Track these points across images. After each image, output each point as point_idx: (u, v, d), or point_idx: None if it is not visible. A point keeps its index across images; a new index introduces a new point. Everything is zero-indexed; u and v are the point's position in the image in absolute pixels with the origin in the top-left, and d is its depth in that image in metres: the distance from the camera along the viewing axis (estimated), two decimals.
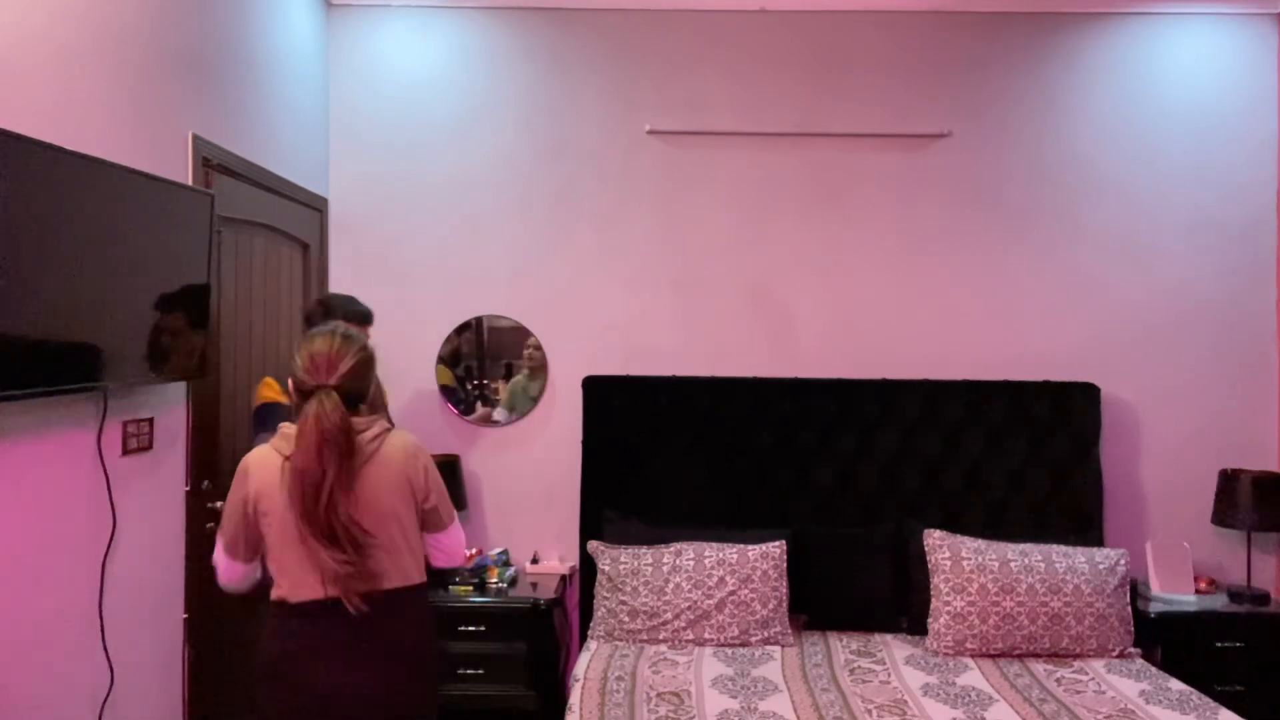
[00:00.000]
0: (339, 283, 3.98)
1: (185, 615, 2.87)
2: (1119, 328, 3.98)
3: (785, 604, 3.48)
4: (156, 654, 2.73)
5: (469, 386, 4.04)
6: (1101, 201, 3.99)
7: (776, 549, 3.52)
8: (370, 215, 4.03)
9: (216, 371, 3.00)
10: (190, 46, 2.86)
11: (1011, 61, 3.99)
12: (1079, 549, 3.50)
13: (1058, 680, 3.11)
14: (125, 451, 2.54)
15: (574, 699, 2.93)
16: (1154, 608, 3.61)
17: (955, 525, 3.68)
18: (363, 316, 2.94)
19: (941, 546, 3.48)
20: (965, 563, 3.41)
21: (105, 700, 2.44)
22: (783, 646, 3.40)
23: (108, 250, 2.26)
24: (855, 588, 3.63)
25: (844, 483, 3.86)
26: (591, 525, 3.80)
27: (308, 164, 3.80)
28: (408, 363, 3.97)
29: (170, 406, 2.77)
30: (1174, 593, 3.71)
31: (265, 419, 2.80)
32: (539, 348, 4.03)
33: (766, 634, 3.41)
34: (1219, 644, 3.53)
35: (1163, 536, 3.92)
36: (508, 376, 4.04)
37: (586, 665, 3.18)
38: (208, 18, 2.97)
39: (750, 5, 3.94)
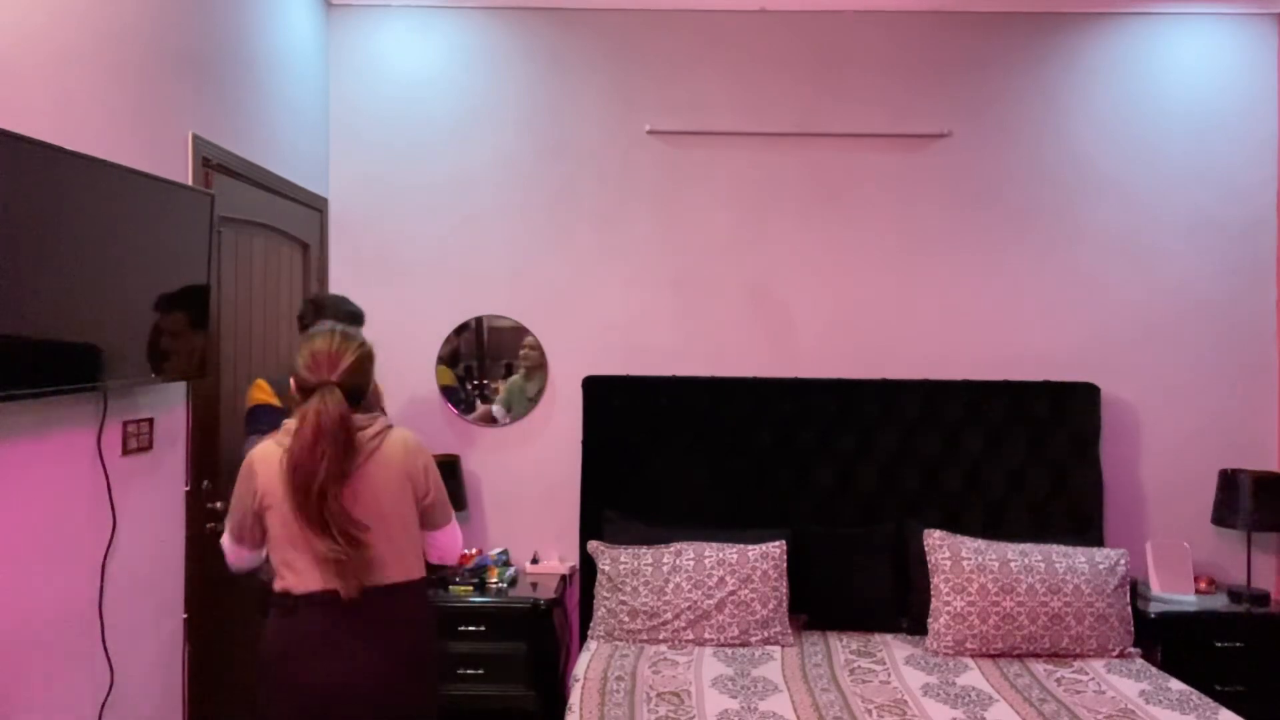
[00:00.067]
0: (339, 283, 3.98)
1: (185, 615, 2.87)
2: (1119, 328, 3.98)
3: (785, 604, 3.48)
4: (156, 654, 2.73)
5: (469, 386, 4.04)
6: (1101, 201, 3.99)
7: (776, 549, 3.52)
8: (370, 215, 4.03)
9: (216, 371, 3.00)
10: (190, 46, 2.86)
11: (1011, 61, 3.99)
12: (1079, 549, 3.50)
13: (1058, 680, 3.11)
14: (125, 451, 2.54)
15: (574, 699, 2.93)
16: (1154, 608, 3.61)
17: (955, 525, 3.68)
18: (354, 316, 2.93)
19: (941, 546, 3.48)
20: (965, 563, 3.41)
21: (105, 700, 2.44)
22: (783, 646, 3.40)
23: (108, 250, 2.26)
24: (855, 588, 3.63)
25: (844, 483, 3.86)
26: (591, 525, 3.80)
27: (308, 164, 3.80)
28: (408, 362, 3.97)
29: (170, 406, 2.77)
30: (1174, 593, 3.71)
31: (256, 420, 2.80)
32: (535, 347, 4.03)
33: (766, 634, 3.41)
34: (1219, 644, 3.53)
35: (1163, 536, 3.92)
36: (508, 376, 4.04)
37: (586, 665, 3.18)
38: (208, 18, 2.97)
39: (750, 5, 3.95)
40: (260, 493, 2.20)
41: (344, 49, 4.02)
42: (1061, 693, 2.99)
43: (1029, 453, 3.84)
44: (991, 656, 3.32)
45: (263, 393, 2.86)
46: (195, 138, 2.86)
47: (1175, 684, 3.06)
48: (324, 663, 2.16)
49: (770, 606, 3.44)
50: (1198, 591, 3.74)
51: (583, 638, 3.67)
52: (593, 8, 3.98)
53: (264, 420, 2.75)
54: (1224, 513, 3.78)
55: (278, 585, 2.21)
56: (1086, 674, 3.17)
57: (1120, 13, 3.97)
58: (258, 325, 3.33)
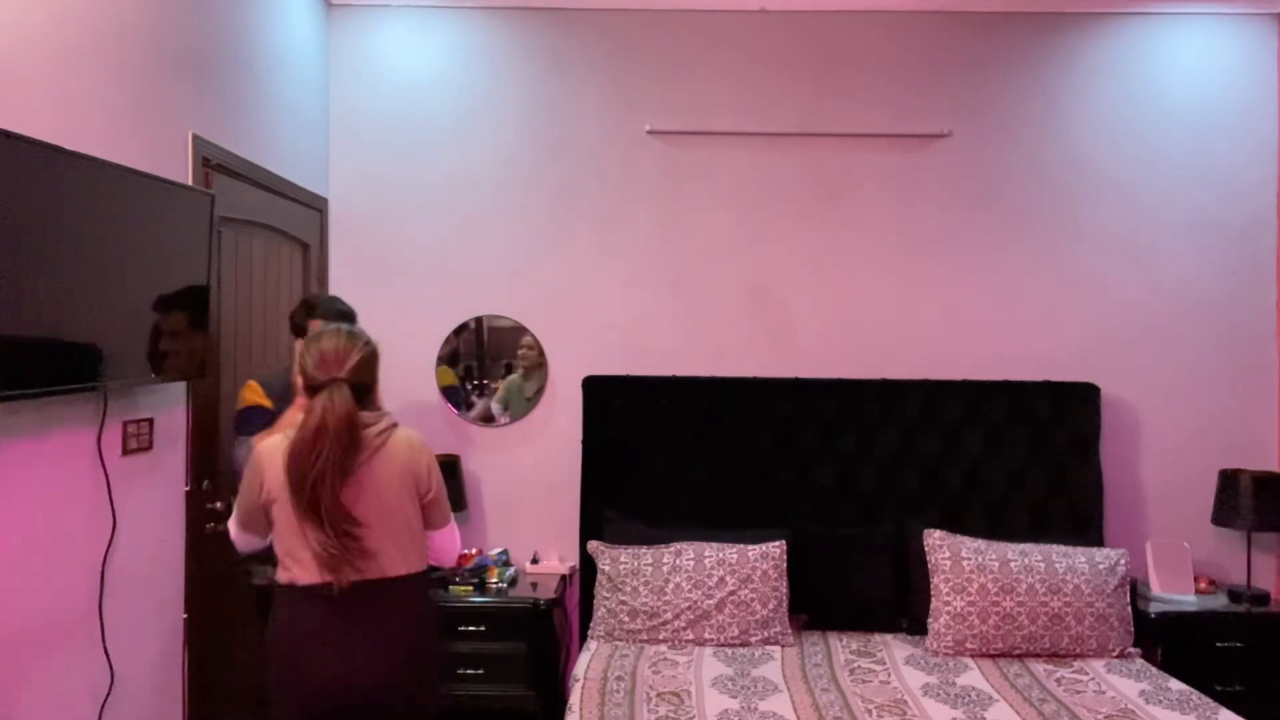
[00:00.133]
0: (339, 283, 3.99)
1: (185, 615, 2.87)
2: (1119, 328, 3.98)
3: (785, 604, 3.48)
4: (156, 654, 2.73)
5: (469, 386, 4.04)
6: (1101, 201, 3.99)
7: (776, 549, 3.52)
8: (370, 215, 4.03)
9: (216, 371, 3.00)
10: (190, 46, 2.86)
11: (1011, 61, 3.99)
12: (1079, 549, 3.50)
13: (1058, 680, 3.11)
14: (125, 451, 2.54)
15: (574, 699, 2.93)
16: (1154, 608, 3.61)
17: (955, 525, 3.68)
18: (345, 316, 2.93)
19: (941, 546, 3.48)
20: (965, 563, 3.41)
21: (105, 700, 2.44)
22: (783, 646, 3.40)
23: (108, 250, 2.26)
24: (855, 588, 3.63)
25: (844, 483, 3.86)
26: (591, 525, 3.80)
27: (308, 164, 3.80)
28: (408, 362, 3.97)
29: (170, 406, 2.77)
30: (1174, 593, 3.71)
31: (246, 422, 2.79)
32: (533, 346, 4.03)
33: (766, 634, 3.41)
34: (1219, 644, 3.53)
35: (1163, 536, 3.92)
36: (507, 376, 4.04)
37: (586, 665, 3.18)
38: (208, 18, 2.97)
39: (750, 5, 3.94)
40: (266, 486, 2.25)
41: (344, 49, 4.02)
42: (1061, 693, 2.99)
43: (1029, 453, 3.84)
44: (991, 656, 3.32)
45: (254, 394, 2.85)
46: (195, 138, 2.86)
47: (1175, 684, 3.06)
48: (324, 655, 2.21)
49: (770, 606, 3.44)
50: (1198, 591, 3.74)
51: (583, 638, 3.67)
52: (593, 8, 3.98)
53: (254, 422, 2.75)
54: (1224, 513, 3.78)
55: (283, 577, 2.27)
56: (1086, 674, 3.17)
57: (1120, 13, 3.97)
58: (258, 325, 3.33)
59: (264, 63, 3.39)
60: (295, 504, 2.18)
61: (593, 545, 3.66)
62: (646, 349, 4.01)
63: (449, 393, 4.03)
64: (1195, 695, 2.96)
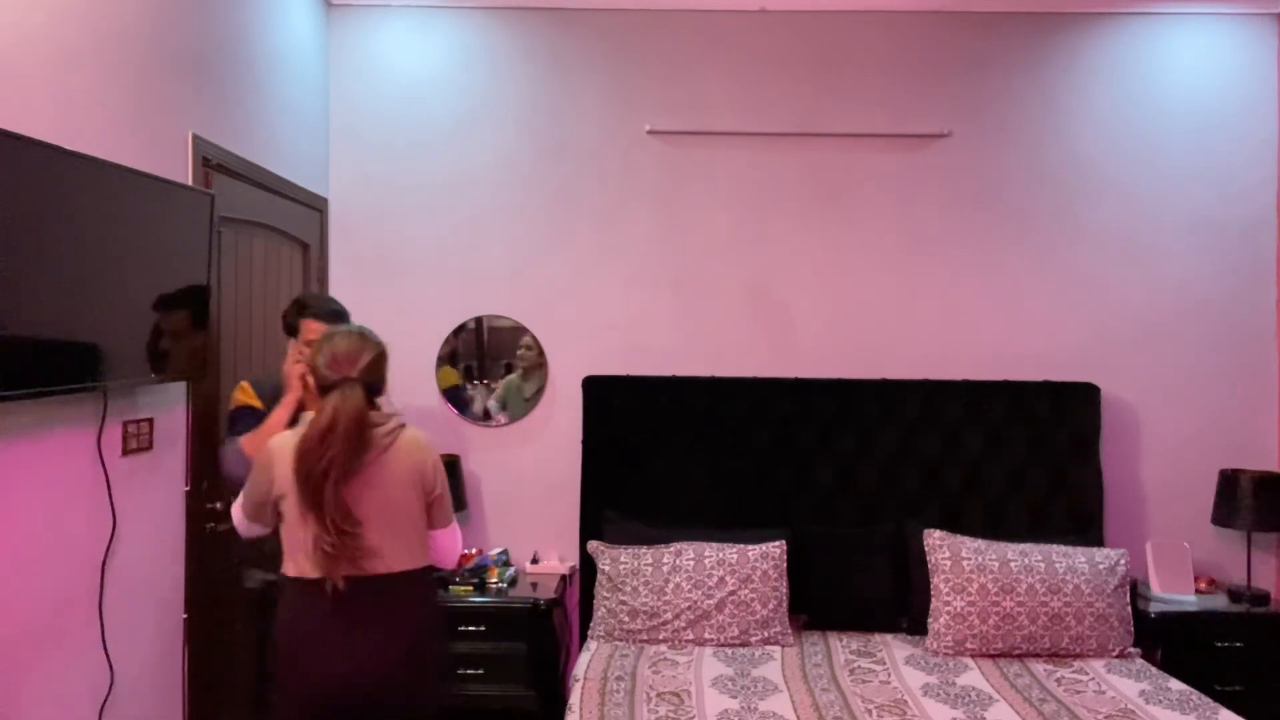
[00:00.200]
0: (339, 283, 3.99)
1: (185, 615, 2.87)
2: (1119, 328, 3.99)
3: (785, 604, 3.48)
4: (156, 654, 2.73)
5: (470, 386, 4.04)
6: (1101, 201, 3.99)
7: (776, 549, 3.52)
8: (370, 215, 4.03)
9: (216, 371, 3.00)
10: (190, 46, 2.86)
11: (1011, 61, 3.99)
12: (1079, 549, 3.50)
13: (1058, 680, 3.11)
14: (125, 451, 2.54)
15: (574, 699, 2.93)
16: (1154, 608, 3.61)
17: (955, 525, 3.68)
18: (337, 315, 2.92)
19: (941, 546, 3.48)
20: (965, 563, 3.41)
21: (105, 700, 2.44)
22: (783, 646, 3.40)
23: (108, 250, 2.26)
24: (855, 588, 3.63)
25: (844, 483, 3.86)
26: (591, 525, 3.80)
27: (308, 164, 3.80)
28: (408, 362, 3.96)
29: (170, 406, 2.77)
30: (1174, 593, 3.71)
31: (236, 422, 2.80)
32: (531, 347, 4.03)
33: (766, 634, 3.41)
34: (1219, 644, 3.53)
35: (1163, 536, 3.92)
36: (507, 376, 4.04)
37: (586, 665, 3.18)
38: (208, 18, 2.97)
39: (750, 5, 3.95)
40: (277, 481, 2.28)
41: (344, 49, 4.02)
42: (1061, 693, 2.99)
43: (1029, 453, 3.84)
44: (991, 656, 3.32)
45: (244, 394, 2.85)
46: (195, 138, 2.86)
47: (1175, 684, 3.06)
48: (325, 650, 2.24)
49: (770, 606, 3.44)
50: (1198, 591, 3.74)
51: (583, 638, 3.67)
52: (593, 8, 3.98)
53: (243, 422, 2.75)
54: (1224, 513, 3.78)
55: (291, 571, 2.30)
56: (1086, 674, 3.17)
57: (1120, 13, 3.97)
58: (258, 325, 3.33)
59: (264, 63, 3.39)
60: (300, 498, 2.22)
61: (593, 545, 3.66)
62: (646, 349, 4.01)
63: (453, 392, 4.02)
64: (1195, 695, 2.96)
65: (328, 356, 2.31)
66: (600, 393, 3.90)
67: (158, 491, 2.72)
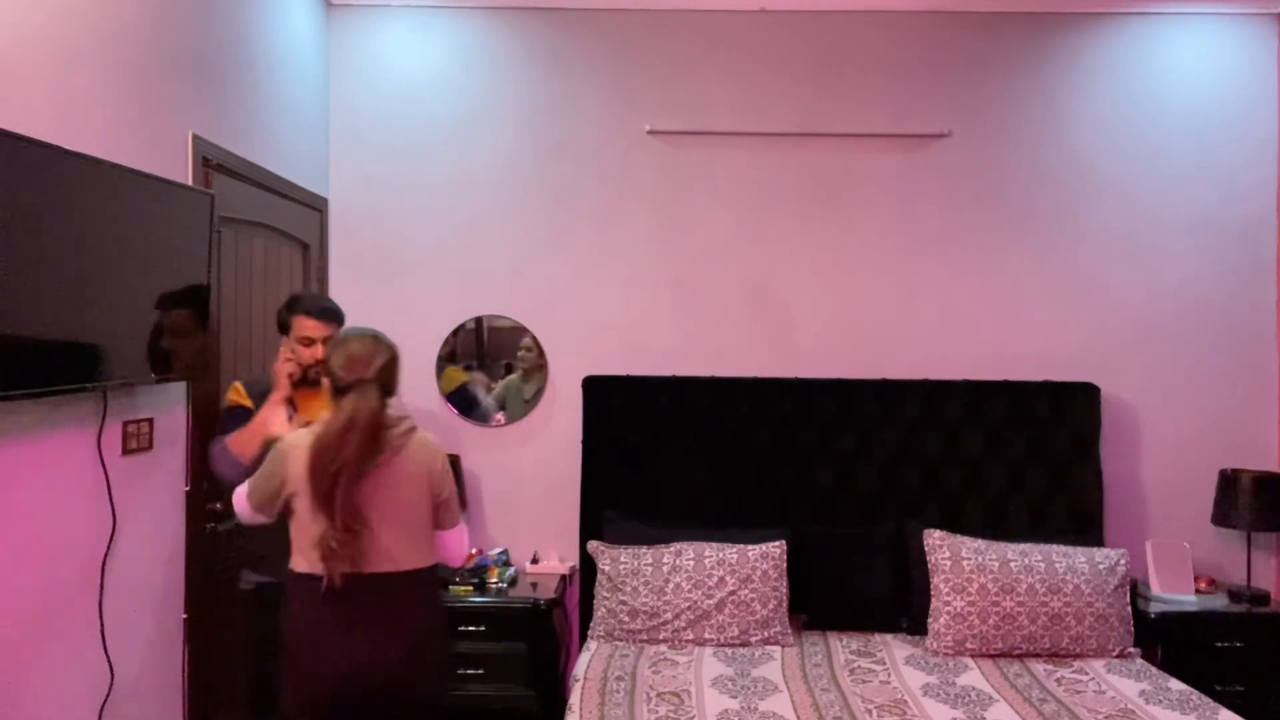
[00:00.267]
0: (339, 282, 3.99)
1: (185, 615, 2.87)
2: (1119, 328, 3.98)
3: (785, 604, 3.48)
4: (156, 654, 2.73)
5: (477, 386, 4.04)
6: (1101, 201, 3.99)
7: (776, 549, 3.52)
8: (370, 215, 4.03)
9: (216, 371, 3.00)
10: (190, 46, 2.86)
11: (1011, 61, 3.99)
12: (1079, 549, 3.50)
13: (1058, 680, 3.11)
14: (125, 451, 2.54)
15: (574, 699, 2.93)
16: (1154, 608, 3.61)
17: (955, 525, 3.68)
18: (330, 312, 2.93)
19: (941, 546, 3.48)
20: (965, 563, 3.41)
21: (105, 700, 2.44)
22: (783, 646, 3.40)
23: (108, 250, 2.26)
24: (855, 588, 3.63)
25: (844, 483, 3.86)
26: (591, 525, 3.80)
27: (308, 164, 3.80)
28: (408, 362, 3.92)
29: (170, 406, 2.77)
30: (1174, 593, 3.71)
31: (229, 421, 2.80)
32: (531, 348, 4.02)
33: (766, 634, 3.41)
34: (1219, 644, 3.53)
35: (1163, 536, 3.92)
36: (507, 376, 4.05)
37: (586, 665, 3.18)
38: (208, 18, 2.97)
39: (750, 5, 3.94)
40: (289, 478, 2.32)
41: (344, 49, 4.02)
42: (1061, 693, 2.99)
43: (1029, 453, 3.84)
44: (991, 656, 3.32)
45: (237, 395, 2.86)
46: (195, 138, 2.86)
47: (1175, 684, 3.06)
48: (331, 645, 2.28)
49: (770, 606, 3.44)
50: (1198, 591, 3.74)
51: (583, 638, 3.67)
52: (593, 8, 3.98)
53: (235, 422, 2.75)
54: (1224, 513, 3.78)
55: (301, 567, 2.33)
56: (1086, 674, 3.17)
57: (1120, 13, 3.97)
58: (258, 325, 3.33)
59: (264, 63, 3.39)
60: (311, 496, 2.26)
61: (593, 545, 3.66)
62: (646, 349, 4.00)
63: (460, 392, 4.02)
64: (1195, 695, 2.96)
65: (343, 359, 2.35)
66: (600, 393, 3.90)
67: (158, 491, 2.72)
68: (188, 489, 2.88)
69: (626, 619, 3.45)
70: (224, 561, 2.99)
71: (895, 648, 3.41)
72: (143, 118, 2.60)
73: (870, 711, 2.80)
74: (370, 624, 2.29)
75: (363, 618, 2.29)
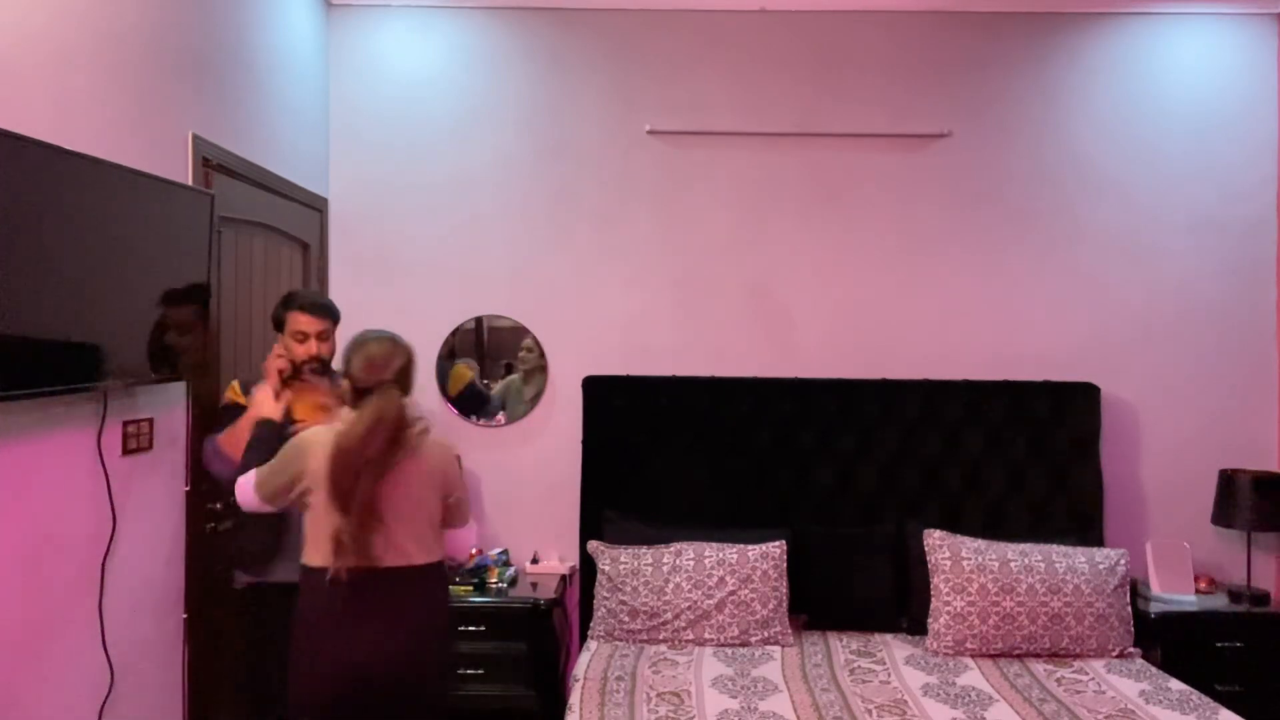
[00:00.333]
0: (339, 282, 3.99)
1: (185, 615, 2.87)
2: (1119, 328, 3.98)
3: (785, 604, 3.48)
4: (156, 654, 2.73)
5: (486, 384, 4.05)
6: (1101, 201, 3.99)
7: (776, 549, 3.52)
8: (370, 215, 4.03)
9: (216, 371, 3.00)
10: (190, 46, 2.86)
11: (1011, 61, 3.99)
12: (1079, 549, 3.50)
13: (1058, 680, 3.11)
14: (125, 451, 2.54)
15: (574, 699, 2.93)
16: (1154, 608, 3.61)
17: (955, 525, 3.68)
18: (326, 309, 2.93)
19: (941, 546, 3.48)
20: (965, 563, 3.41)
21: (105, 700, 2.44)
22: (783, 646, 3.40)
23: (108, 250, 2.26)
24: (855, 588, 3.63)
25: (844, 483, 3.86)
26: (591, 525, 3.80)
27: (308, 164, 3.80)
28: None
29: (170, 406, 2.77)
30: (1174, 593, 3.71)
31: (224, 419, 2.81)
32: (532, 349, 4.02)
33: (766, 634, 3.41)
34: (1219, 644, 3.53)
35: (1163, 536, 3.92)
36: (507, 376, 4.05)
37: (586, 665, 3.18)
38: (208, 18, 2.97)
39: (750, 5, 3.94)
40: (308, 473, 2.35)
41: (344, 49, 4.02)
42: (1061, 693, 2.99)
43: (1029, 453, 3.84)
44: (991, 656, 3.32)
45: (233, 393, 2.87)
46: (195, 138, 2.86)
47: (1175, 684, 3.06)
48: (347, 636, 2.32)
49: (770, 606, 3.44)
50: (1198, 591, 3.74)
51: (583, 638, 3.67)
52: (593, 8, 3.98)
53: (229, 421, 2.76)
54: (1224, 513, 3.78)
55: (316, 560, 2.35)
56: (1086, 674, 3.17)
57: (1120, 13, 3.97)
58: (258, 325, 3.33)
59: (264, 63, 3.39)
60: (330, 492, 2.29)
61: (593, 545, 3.66)
62: (646, 349, 4.00)
63: (468, 389, 4.01)
64: (1195, 695, 2.96)
65: (363, 360, 2.40)
66: (600, 393, 3.90)
67: (158, 491, 2.72)
68: (188, 489, 2.88)
69: (626, 619, 3.45)
70: (224, 561, 2.99)
71: (895, 648, 3.41)
72: (143, 118, 2.60)
73: (870, 711, 2.80)
74: (383, 617, 2.34)
75: (376, 611, 2.34)
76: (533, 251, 4.03)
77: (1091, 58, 3.99)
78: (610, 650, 3.34)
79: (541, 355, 4.03)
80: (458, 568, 3.70)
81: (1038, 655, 3.33)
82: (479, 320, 4.04)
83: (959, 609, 3.35)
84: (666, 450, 3.86)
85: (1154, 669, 3.23)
